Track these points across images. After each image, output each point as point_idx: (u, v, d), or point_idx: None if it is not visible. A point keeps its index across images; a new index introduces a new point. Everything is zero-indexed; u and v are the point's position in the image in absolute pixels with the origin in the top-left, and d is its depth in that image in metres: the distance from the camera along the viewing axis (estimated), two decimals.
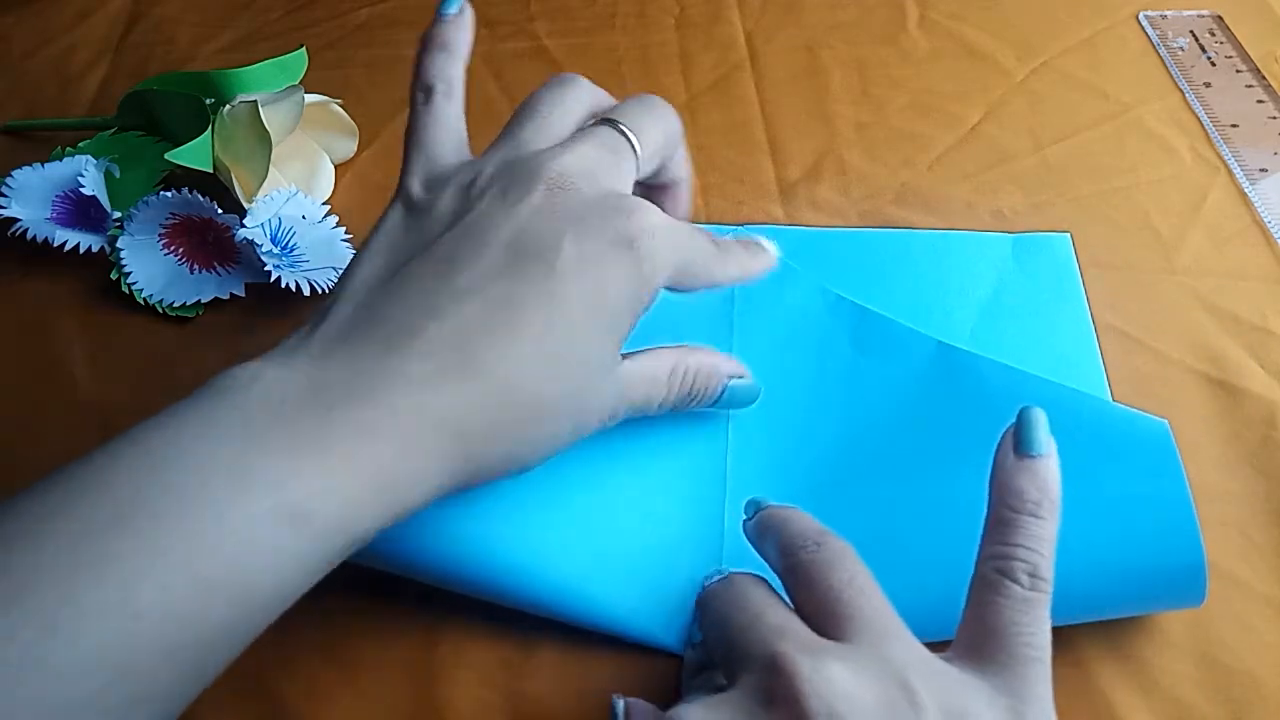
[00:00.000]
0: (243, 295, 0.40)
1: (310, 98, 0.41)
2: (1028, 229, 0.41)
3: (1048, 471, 0.24)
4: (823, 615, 0.24)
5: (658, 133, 0.31)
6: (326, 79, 0.48)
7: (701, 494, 0.32)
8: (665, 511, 0.32)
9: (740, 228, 0.41)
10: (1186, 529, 0.28)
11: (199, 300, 0.40)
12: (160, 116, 0.45)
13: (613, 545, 0.31)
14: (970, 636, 0.24)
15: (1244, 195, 0.42)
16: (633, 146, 0.29)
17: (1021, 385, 0.32)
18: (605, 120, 0.30)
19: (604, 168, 0.28)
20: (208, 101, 0.42)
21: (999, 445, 0.25)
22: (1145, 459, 0.30)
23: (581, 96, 0.31)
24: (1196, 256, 0.40)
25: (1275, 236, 0.40)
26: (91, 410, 0.37)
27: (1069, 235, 0.40)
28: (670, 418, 0.35)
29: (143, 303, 0.40)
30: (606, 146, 0.29)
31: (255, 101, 0.39)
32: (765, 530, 0.27)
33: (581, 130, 0.30)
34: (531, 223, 0.26)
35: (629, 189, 0.29)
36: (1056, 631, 0.24)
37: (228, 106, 0.41)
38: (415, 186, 0.29)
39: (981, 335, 0.37)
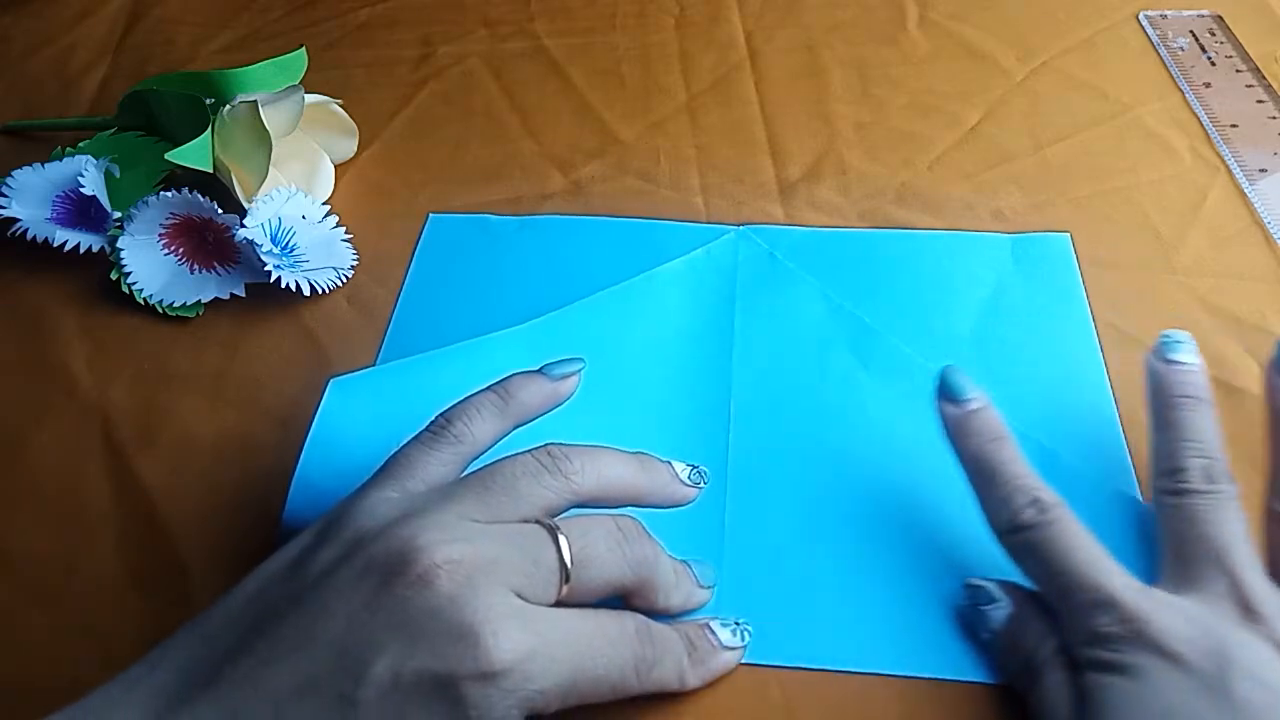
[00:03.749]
0: (243, 295, 0.40)
1: (310, 98, 0.41)
2: (1028, 229, 0.41)
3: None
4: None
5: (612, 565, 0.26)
6: (326, 79, 0.48)
7: (702, 494, 0.32)
8: (666, 512, 0.32)
9: (740, 227, 0.41)
10: None
11: (199, 300, 0.40)
12: (160, 116, 0.45)
13: None
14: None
15: (1244, 195, 0.42)
16: (563, 563, 0.25)
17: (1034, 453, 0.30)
18: (546, 525, 0.25)
19: (500, 574, 0.23)
20: (208, 101, 0.42)
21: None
22: None
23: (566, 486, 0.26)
24: (1196, 256, 0.40)
25: (1275, 236, 0.40)
26: (91, 410, 0.37)
27: (1068, 235, 0.40)
28: (669, 419, 0.35)
29: (143, 303, 0.40)
30: (525, 551, 0.24)
31: (255, 101, 0.39)
32: (1172, 416, 0.30)
33: (510, 525, 0.25)
34: (360, 621, 0.22)
35: (517, 613, 0.23)
36: None
37: (228, 106, 0.41)
38: (333, 522, 0.25)
39: (982, 336, 0.37)
